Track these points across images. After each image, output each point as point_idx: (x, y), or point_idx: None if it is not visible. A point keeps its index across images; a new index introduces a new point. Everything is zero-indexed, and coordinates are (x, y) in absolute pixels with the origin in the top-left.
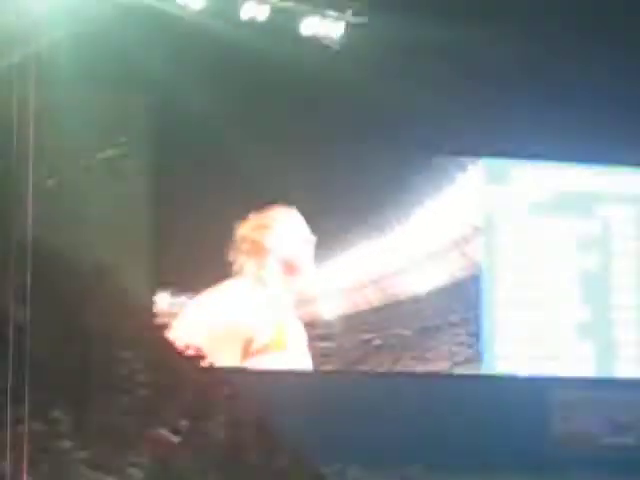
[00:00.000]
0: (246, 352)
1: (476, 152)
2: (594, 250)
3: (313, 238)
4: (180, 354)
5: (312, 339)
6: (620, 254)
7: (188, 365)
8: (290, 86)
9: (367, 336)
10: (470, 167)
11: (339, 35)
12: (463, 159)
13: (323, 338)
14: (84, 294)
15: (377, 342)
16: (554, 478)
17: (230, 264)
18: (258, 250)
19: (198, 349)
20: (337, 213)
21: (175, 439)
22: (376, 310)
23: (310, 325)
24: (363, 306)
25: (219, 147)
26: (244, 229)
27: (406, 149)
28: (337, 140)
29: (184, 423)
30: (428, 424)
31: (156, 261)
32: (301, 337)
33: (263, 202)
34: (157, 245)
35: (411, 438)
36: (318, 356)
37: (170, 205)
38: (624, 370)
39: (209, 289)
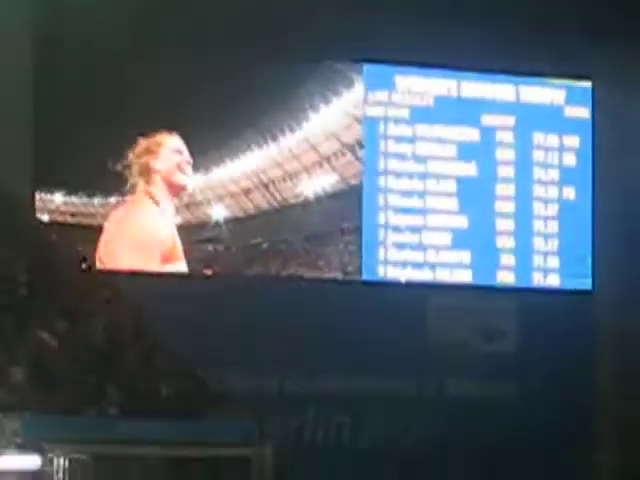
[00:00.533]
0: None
1: (360, 58)
2: (475, 158)
3: (191, 160)
4: (60, 256)
5: (200, 242)
6: (501, 163)
7: (69, 267)
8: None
9: (255, 240)
10: (354, 73)
11: None
12: (347, 65)
13: (210, 241)
14: None
15: (265, 247)
16: (428, 383)
17: (117, 174)
18: (147, 171)
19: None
20: (226, 121)
21: (53, 341)
22: (265, 214)
23: (199, 228)
24: (251, 211)
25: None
26: (135, 153)
27: (293, 55)
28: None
29: (63, 325)
30: (308, 329)
31: (34, 162)
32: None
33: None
34: (36, 148)
35: (290, 342)
36: (205, 259)
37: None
38: (503, 278)
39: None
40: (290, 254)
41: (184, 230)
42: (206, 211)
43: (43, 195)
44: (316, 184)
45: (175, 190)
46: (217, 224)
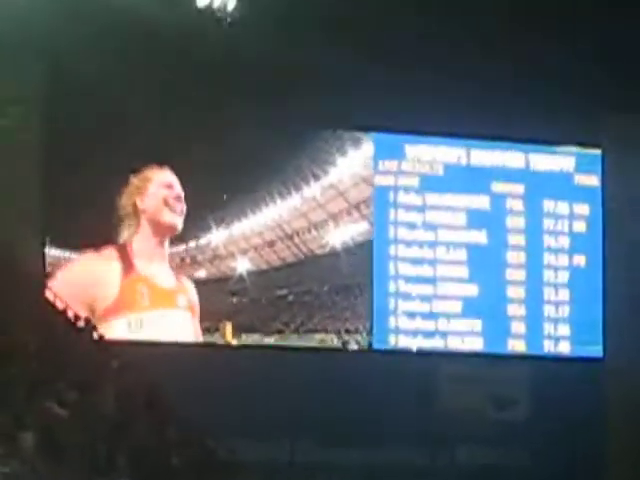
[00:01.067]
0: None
1: (369, 127)
2: (485, 226)
3: (182, 195)
4: (69, 325)
5: (225, 294)
6: (511, 230)
7: (77, 336)
8: (182, 55)
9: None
10: (363, 141)
11: (233, 7)
12: (356, 133)
13: (235, 294)
14: None
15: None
16: (440, 451)
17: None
18: (134, 213)
19: (87, 319)
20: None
21: (63, 411)
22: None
23: (223, 280)
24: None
25: (109, 113)
26: (123, 195)
27: (298, 121)
28: (233, 110)
29: (72, 395)
30: (318, 398)
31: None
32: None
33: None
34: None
35: (301, 412)
36: (231, 312)
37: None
38: (514, 346)
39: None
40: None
41: (208, 284)
42: (230, 264)
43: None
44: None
45: (161, 231)
46: (241, 277)
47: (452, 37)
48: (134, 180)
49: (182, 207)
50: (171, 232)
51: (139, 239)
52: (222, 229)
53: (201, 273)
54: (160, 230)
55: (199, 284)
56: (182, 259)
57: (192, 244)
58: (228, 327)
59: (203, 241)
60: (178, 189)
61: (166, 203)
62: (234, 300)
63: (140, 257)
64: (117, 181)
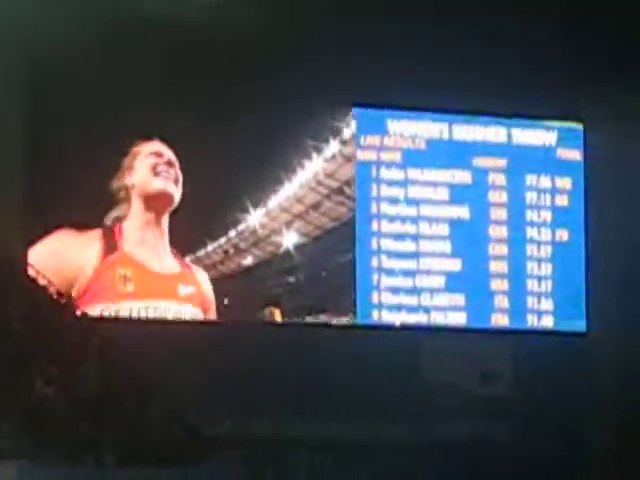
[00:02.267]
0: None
1: (350, 101)
2: (467, 201)
3: (173, 160)
4: (53, 302)
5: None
6: (493, 205)
7: (60, 313)
8: (171, 39)
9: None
10: (344, 116)
11: None
12: (338, 109)
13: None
14: None
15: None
16: (424, 427)
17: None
18: (124, 195)
19: (69, 296)
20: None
21: (48, 389)
22: None
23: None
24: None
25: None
26: (114, 180)
27: (280, 97)
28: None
29: (58, 373)
30: (302, 374)
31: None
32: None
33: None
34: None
35: (286, 389)
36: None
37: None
38: (498, 320)
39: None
40: None
41: (256, 269)
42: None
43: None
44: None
45: (153, 204)
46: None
47: (434, 13)
48: (124, 160)
49: (176, 173)
50: (165, 202)
51: (130, 218)
52: (259, 208)
53: (248, 260)
54: (152, 203)
55: (249, 271)
56: (225, 251)
57: (232, 233)
58: (277, 312)
59: (242, 227)
60: (169, 155)
61: (154, 171)
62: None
63: (129, 237)
64: (107, 161)
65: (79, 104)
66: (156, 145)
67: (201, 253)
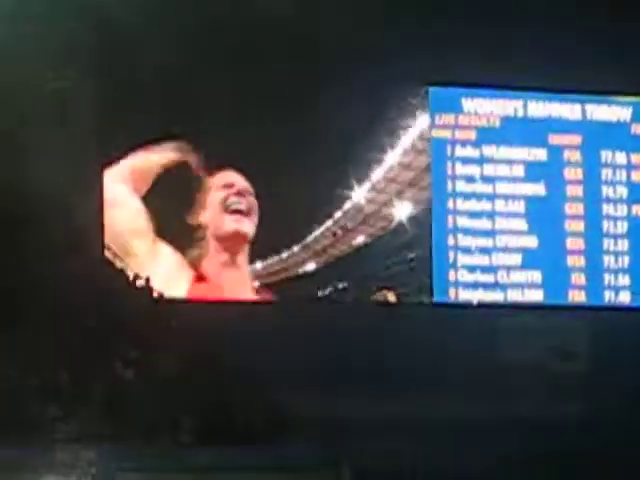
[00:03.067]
0: None
1: (425, 80)
2: (543, 178)
3: (245, 188)
4: (129, 285)
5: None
6: (569, 182)
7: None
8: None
9: None
10: (419, 96)
11: None
12: (414, 88)
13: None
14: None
15: None
16: (503, 404)
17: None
18: (202, 234)
19: (147, 278)
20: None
21: (127, 371)
22: None
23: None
24: None
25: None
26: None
27: (362, 80)
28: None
29: (135, 355)
30: (381, 351)
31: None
32: None
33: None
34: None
35: (362, 367)
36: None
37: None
38: (575, 297)
39: None
40: None
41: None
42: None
43: None
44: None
45: (229, 245)
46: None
47: None
48: (198, 196)
49: (248, 202)
50: (240, 242)
51: (209, 257)
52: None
53: (359, 239)
54: (227, 244)
55: (362, 251)
56: (334, 234)
57: (338, 214)
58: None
59: (348, 206)
60: (239, 185)
61: (225, 206)
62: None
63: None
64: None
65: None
66: (228, 176)
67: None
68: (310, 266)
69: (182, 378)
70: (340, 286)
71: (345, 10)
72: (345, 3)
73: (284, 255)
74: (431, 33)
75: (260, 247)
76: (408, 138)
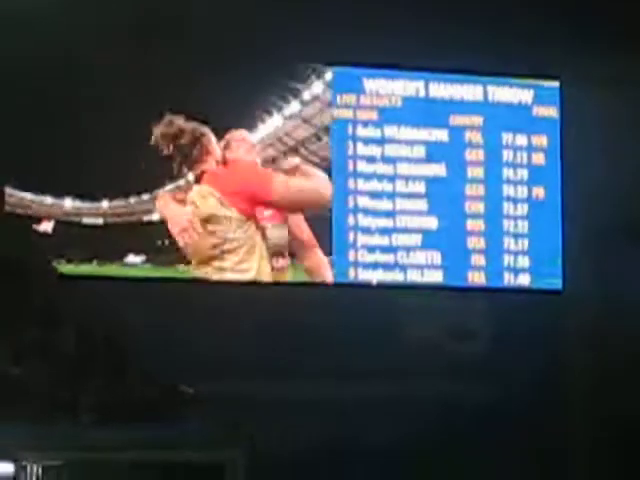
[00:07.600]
0: None
1: (326, 60)
2: (444, 159)
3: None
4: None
5: None
6: (470, 163)
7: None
8: None
9: None
10: (319, 75)
11: None
12: (312, 67)
13: None
14: None
15: None
16: (400, 384)
17: None
18: None
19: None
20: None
21: (26, 349)
22: None
23: None
24: None
25: None
26: None
27: (257, 58)
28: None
29: (35, 333)
30: (279, 332)
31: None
32: None
33: None
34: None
35: (260, 348)
36: None
37: None
38: (474, 278)
39: None
40: None
41: None
42: None
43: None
44: None
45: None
46: None
47: None
48: None
49: None
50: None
51: None
52: None
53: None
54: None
55: None
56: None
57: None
58: None
59: None
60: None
61: None
62: None
63: None
64: None
65: None
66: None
67: None
68: None
69: (83, 356)
70: None
71: None
72: None
73: None
74: (333, 13)
75: None
76: (307, 119)
